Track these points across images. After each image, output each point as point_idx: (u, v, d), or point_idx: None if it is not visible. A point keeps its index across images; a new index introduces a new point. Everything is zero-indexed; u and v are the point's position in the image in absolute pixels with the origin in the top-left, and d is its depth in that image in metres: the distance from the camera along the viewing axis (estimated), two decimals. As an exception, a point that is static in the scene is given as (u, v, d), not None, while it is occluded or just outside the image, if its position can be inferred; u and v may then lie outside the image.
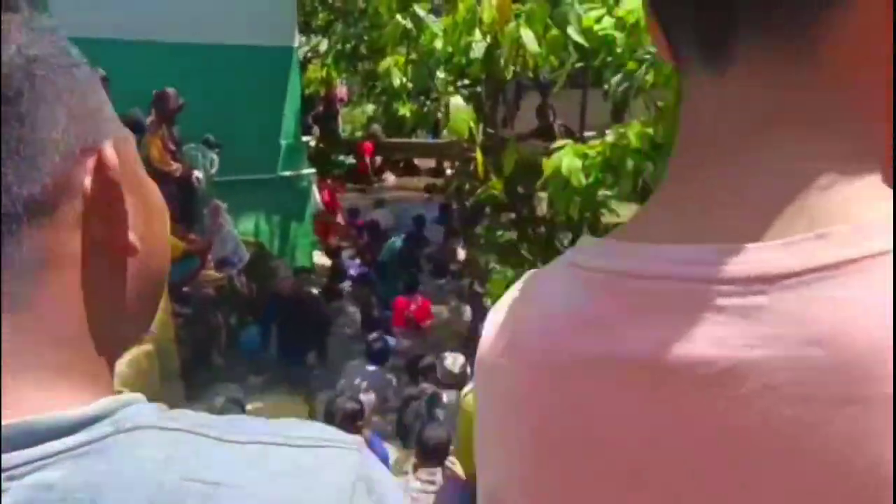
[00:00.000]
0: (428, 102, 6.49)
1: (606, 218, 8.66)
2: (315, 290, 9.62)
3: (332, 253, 11.68)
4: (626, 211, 9.87)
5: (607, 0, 5.26)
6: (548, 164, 4.73)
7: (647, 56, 4.81)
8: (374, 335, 7.78)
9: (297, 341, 8.05)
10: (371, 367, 7.33)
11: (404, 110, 6.82)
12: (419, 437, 5.00)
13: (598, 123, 7.68)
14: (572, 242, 7.36)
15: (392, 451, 5.70)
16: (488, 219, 10.41)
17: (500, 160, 8.04)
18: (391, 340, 8.06)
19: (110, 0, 8.34)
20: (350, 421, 4.90)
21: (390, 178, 19.14)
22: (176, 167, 7.87)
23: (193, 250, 7.71)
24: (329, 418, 4.98)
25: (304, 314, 8.23)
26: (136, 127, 6.88)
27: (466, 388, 4.22)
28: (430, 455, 4.80)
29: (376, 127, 20.18)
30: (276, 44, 10.53)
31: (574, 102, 8.55)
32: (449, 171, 14.63)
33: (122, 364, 4.70)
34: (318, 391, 7.29)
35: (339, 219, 13.23)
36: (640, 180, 4.90)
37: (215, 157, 8.84)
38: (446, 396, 6.10)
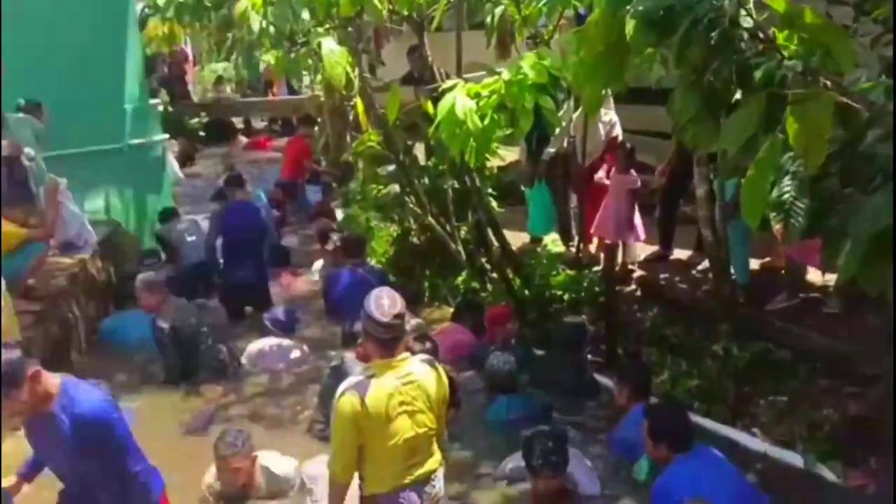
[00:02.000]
0: (295, 49, 5.79)
1: (493, 161, 8.33)
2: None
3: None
4: (512, 155, 9.62)
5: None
6: (442, 107, 4.23)
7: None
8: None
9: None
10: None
11: (268, 58, 6.09)
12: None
13: (473, 66, 7.22)
14: (457, 192, 6.92)
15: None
16: (362, 173, 9.86)
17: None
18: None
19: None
20: None
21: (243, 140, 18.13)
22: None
23: (35, 237, 6.73)
24: None
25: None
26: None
27: (340, 390, 3.83)
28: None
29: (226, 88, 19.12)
30: (110, -3, 9.45)
31: (444, 46, 8.04)
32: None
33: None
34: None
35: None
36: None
37: (40, 124, 7.71)
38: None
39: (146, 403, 6.13)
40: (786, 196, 3.19)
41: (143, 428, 5.58)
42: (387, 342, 3.86)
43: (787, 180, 3.19)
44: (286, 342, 6.90)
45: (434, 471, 4.07)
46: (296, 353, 6.83)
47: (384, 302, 3.84)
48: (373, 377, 3.83)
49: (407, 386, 3.88)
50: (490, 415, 5.37)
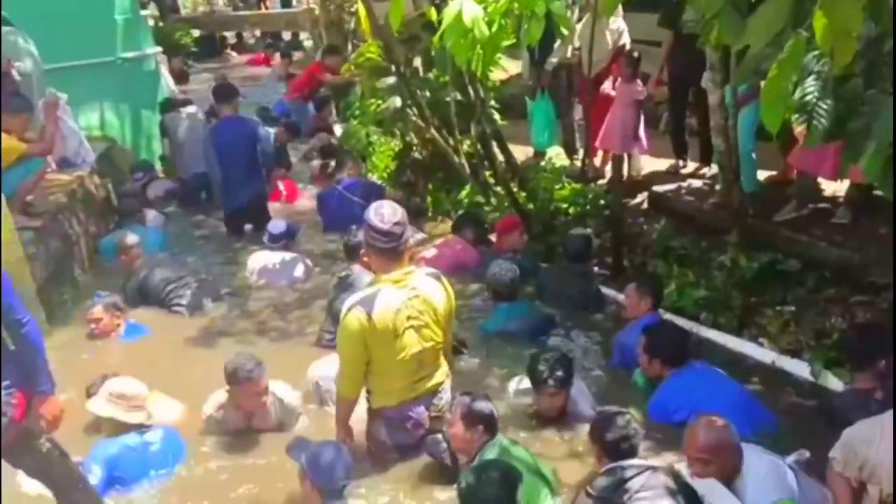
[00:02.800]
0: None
1: (494, 74, 8.14)
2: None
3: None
4: (514, 68, 9.39)
5: None
6: (447, 14, 4.05)
7: None
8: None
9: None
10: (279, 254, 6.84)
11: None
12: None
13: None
14: (460, 105, 6.75)
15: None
16: (361, 86, 9.63)
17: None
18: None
19: None
20: None
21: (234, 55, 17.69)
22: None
23: (33, 152, 6.58)
24: None
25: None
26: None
27: (346, 306, 3.81)
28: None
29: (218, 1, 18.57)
30: None
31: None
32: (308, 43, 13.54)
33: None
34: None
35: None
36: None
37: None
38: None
39: (150, 321, 6.13)
40: (809, 97, 3.09)
41: (148, 346, 5.61)
42: (388, 252, 3.82)
43: (810, 80, 3.08)
44: (289, 256, 6.82)
45: (441, 383, 4.10)
46: (300, 269, 6.78)
47: (384, 211, 3.82)
48: (379, 292, 3.81)
49: (413, 300, 3.87)
50: (489, 323, 5.37)
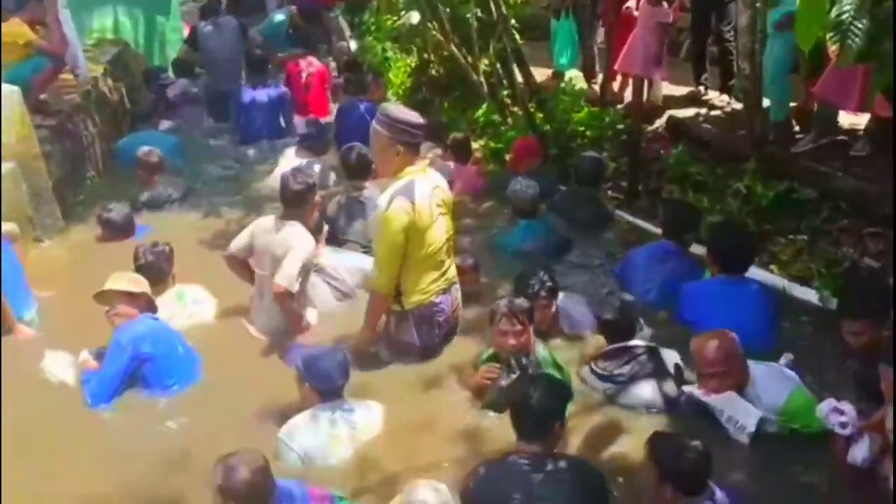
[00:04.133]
0: None
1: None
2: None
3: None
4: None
5: None
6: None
7: None
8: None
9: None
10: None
11: None
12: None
13: None
14: (480, 22, 6.60)
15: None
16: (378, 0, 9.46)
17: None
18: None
19: None
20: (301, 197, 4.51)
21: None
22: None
23: (44, 48, 6.49)
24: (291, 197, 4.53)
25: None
26: None
27: (387, 199, 3.87)
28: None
29: None
30: None
31: None
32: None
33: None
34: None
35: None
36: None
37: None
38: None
39: (164, 221, 6.17)
40: (844, 16, 3.07)
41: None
42: (416, 146, 3.96)
43: (846, 0, 3.06)
44: (318, 164, 6.67)
45: (455, 275, 4.24)
46: (331, 178, 6.62)
47: (401, 107, 3.98)
48: (413, 182, 3.88)
49: (436, 190, 4.01)
50: (508, 239, 5.38)
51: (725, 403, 3.42)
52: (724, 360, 3.43)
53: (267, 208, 6.46)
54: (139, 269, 4.57)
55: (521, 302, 3.74)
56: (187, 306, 4.67)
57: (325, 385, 3.48)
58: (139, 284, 4.20)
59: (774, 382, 3.47)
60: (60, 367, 4.12)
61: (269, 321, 4.47)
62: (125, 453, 3.55)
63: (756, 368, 3.52)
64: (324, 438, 3.40)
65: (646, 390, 3.67)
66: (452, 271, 4.18)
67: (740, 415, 3.38)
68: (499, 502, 2.90)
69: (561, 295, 4.30)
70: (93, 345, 4.20)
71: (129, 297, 4.12)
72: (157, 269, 4.61)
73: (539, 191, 5.41)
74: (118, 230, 5.83)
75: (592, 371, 3.80)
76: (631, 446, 3.40)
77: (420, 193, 3.85)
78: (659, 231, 5.54)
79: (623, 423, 3.59)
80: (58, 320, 4.81)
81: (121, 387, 3.94)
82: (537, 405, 3.01)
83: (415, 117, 3.91)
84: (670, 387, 3.68)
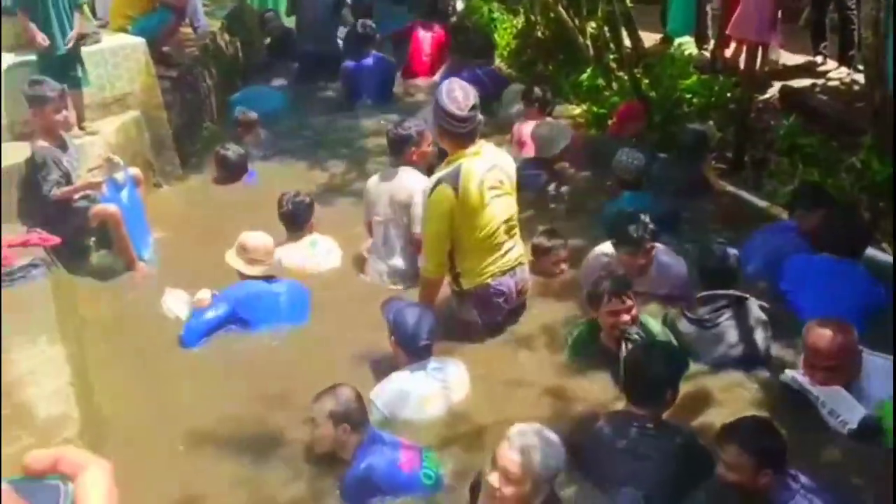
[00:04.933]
0: None
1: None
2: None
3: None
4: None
5: None
6: None
7: None
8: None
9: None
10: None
11: None
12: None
13: None
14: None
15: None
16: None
17: None
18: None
19: None
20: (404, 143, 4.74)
21: None
22: None
23: (169, 2, 6.81)
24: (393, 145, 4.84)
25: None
26: None
27: (431, 184, 3.94)
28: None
29: None
30: None
31: None
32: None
33: (110, 133, 4.16)
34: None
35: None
36: None
37: None
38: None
39: (275, 171, 6.43)
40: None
41: (274, 195, 5.86)
42: (464, 136, 3.85)
43: None
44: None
45: (522, 255, 4.22)
46: None
47: (457, 95, 3.79)
48: (461, 166, 3.85)
49: (493, 171, 3.94)
50: (611, 207, 5.33)
51: (829, 396, 3.27)
52: (838, 354, 3.26)
53: (370, 163, 6.65)
54: (281, 216, 4.92)
55: (622, 278, 3.79)
56: (318, 254, 4.95)
57: (411, 344, 3.58)
58: (253, 263, 4.34)
59: (888, 378, 3.24)
60: (178, 303, 4.40)
61: (394, 267, 4.61)
62: (228, 388, 3.78)
63: (870, 360, 3.34)
64: (413, 400, 3.49)
65: (732, 338, 3.74)
66: (515, 252, 4.12)
67: (843, 410, 3.22)
68: (605, 458, 2.99)
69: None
70: (203, 285, 4.46)
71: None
72: (297, 218, 4.94)
73: (644, 162, 5.31)
74: (233, 169, 6.19)
75: (684, 315, 3.89)
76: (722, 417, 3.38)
77: (467, 178, 3.82)
78: (763, 204, 5.42)
79: (717, 394, 3.57)
80: (173, 260, 5.13)
81: (212, 334, 4.15)
82: (652, 372, 3.06)
83: (458, 108, 3.75)
84: (760, 338, 3.74)
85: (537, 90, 6.48)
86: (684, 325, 3.87)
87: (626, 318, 3.64)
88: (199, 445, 3.36)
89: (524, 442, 2.50)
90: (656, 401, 3.04)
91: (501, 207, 3.98)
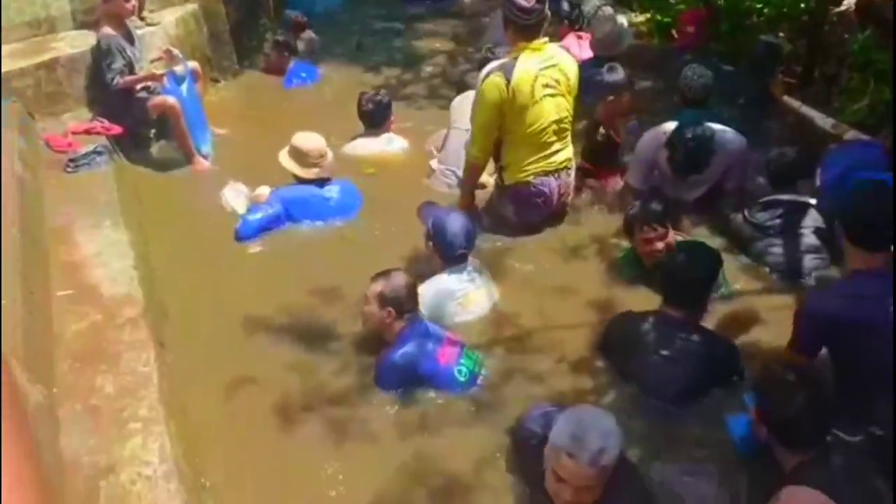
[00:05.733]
0: None
1: None
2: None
3: None
4: None
5: None
6: None
7: None
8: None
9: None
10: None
11: None
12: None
13: None
14: None
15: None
16: None
17: None
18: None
19: None
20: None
21: None
22: None
23: None
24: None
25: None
26: None
27: (485, 72, 3.93)
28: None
29: None
30: None
31: None
32: None
33: (170, 25, 4.21)
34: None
35: None
36: None
37: None
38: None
39: (331, 70, 6.41)
40: None
41: (327, 95, 5.91)
42: (529, 28, 3.85)
43: None
44: None
45: (570, 160, 4.20)
46: None
47: None
48: (518, 59, 3.85)
49: (550, 69, 3.92)
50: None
51: None
52: None
53: (424, 64, 6.59)
54: (362, 114, 5.15)
55: (655, 206, 3.73)
56: (394, 151, 5.15)
57: (448, 251, 3.58)
58: (308, 166, 4.39)
59: None
60: (237, 197, 4.50)
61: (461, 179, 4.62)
62: (282, 280, 3.89)
63: None
64: (452, 301, 3.54)
65: (790, 246, 3.81)
66: (563, 155, 4.12)
67: None
68: (633, 350, 3.07)
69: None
70: (261, 181, 4.54)
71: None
72: (377, 116, 5.16)
73: (711, 80, 5.12)
74: (284, 50, 6.33)
75: (745, 219, 3.94)
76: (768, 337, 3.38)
77: (522, 71, 3.81)
78: (830, 122, 5.23)
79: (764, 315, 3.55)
80: (230, 156, 5.21)
81: (264, 231, 4.25)
82: (690, 274, 3.09)
83: (527, 1, 3.76)
84: (808, 259, 3.77)
85: (565, 6, 6.31)
86: (745, 229, 3.95)
87: (659, 245, 3.63)
88: (254, 332, 3.50)
89: (590, 450, 2.15)
90: (690, 302, 3.08)
91: (553, 107, 3.97)
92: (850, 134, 4.86)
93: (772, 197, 3.94)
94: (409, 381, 3.08)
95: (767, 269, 3.85)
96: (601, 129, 4.71)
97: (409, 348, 3.10)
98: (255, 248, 4.18)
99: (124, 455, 2.41)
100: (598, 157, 4.74)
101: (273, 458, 2.80)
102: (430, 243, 3.65)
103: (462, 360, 3.15)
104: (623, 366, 3.15)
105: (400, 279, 3.22)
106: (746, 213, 3.98)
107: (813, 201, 3.94)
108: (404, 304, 3.19)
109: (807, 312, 2.77)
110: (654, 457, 2.74)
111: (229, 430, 2.94)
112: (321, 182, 4.45)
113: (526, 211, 4.15)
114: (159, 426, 2.54)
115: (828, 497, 2.20)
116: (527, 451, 2.54)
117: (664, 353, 3.01)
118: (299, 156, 4.40)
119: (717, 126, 4.30)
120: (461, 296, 3.57)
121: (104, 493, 2.28)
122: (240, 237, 4.22)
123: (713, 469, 2.68)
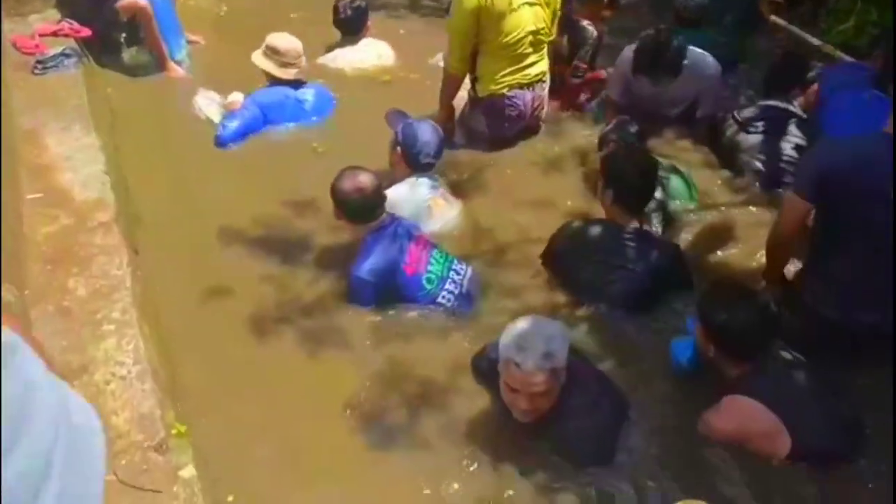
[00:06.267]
0: None
1: None
2: None
3: None
4: None
5: None
6: None
7: None
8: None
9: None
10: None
11: None
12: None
13: None
14: None
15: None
16: None
17: None
18: None
19: None
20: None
21: None
22: None
23: None
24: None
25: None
26: None
27: None
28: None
29: None
30: None
31: None
32: None
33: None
34: None
35: None
36: None
37: None
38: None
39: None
40: None
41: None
42: None
43: None
44: None
45: (545, 73, 4.13)
46: None
47: None
48: None
49: None
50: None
51: None
52: None
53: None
54: (339, 22, 5.05)
55: (630, 127, 3.75)
56: (377, 56, 5.09)
57: (415, 158, 3.51)
58: (285, 66, 4.31)
59: None
60: (209, 105, 4.40)
61: None
62: (258, 188, 3.83)
63: None
64: (419, 205, 3.49)
65: (773, 153, 3.86)
66: (538, 68, 4.05)
67: None
68: (582, 256, 3.09)
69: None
70: (234, 88, 4.43)
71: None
72: (354, 22, 5.06)
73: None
74: None
75: (734, 118, 4.02)
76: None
77: None
78: (816, 42, 5.18)
79: (739, 231, 3.58)
80: (205, 63, 5.07)
81: (244, 137, 4.20)
82: (636, 180, 3.10)
83: None
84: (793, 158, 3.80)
85: None
86: (731, 127, 4.01)
87: None
88: (229, 242, 3.46)
89: (534, 356, 2.22)
90: (638, 210, 3.14)
91: (531, 16, 3.89)
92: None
93: (763, 102, 4.01)
94: (381, 293, 3.05)
95: (750, 181, 3.85)
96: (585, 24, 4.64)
97: (373, 263, 3.02)
98: (230, 155, 4.11)
99: (98, 356, 2.41)
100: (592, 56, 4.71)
101: (248, 365, 2.81)
102: (398, 149, 3.56)
103: (430, 267, 3.09)
104: (574, 275, 3.14)
105: (360, 179, 3.08)
106: (735, 113, 4.03)
107: (801, 113, 3.97)
108: (373, 196, 3.09)
109: (814, 157, 2.76)
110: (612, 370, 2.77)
111: (203, 337, 2.93)
112: (296, 84, 4.37)
113: (499, 124, 4.11)
114: (133, 329, 2.53)
115: (765, 406, 2.36)
116: (490, 378, 2.56)
117: (615, 260, 3.03)
118: (276, 55, 4.30)
119: (697, 49, 4.22)
120: (429, 200, 3.54)
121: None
122: (220, 143, 4.15)
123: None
